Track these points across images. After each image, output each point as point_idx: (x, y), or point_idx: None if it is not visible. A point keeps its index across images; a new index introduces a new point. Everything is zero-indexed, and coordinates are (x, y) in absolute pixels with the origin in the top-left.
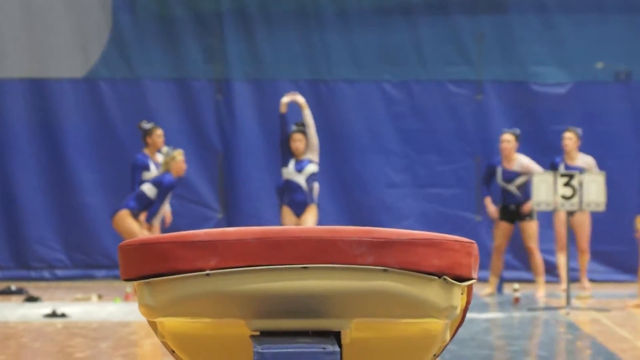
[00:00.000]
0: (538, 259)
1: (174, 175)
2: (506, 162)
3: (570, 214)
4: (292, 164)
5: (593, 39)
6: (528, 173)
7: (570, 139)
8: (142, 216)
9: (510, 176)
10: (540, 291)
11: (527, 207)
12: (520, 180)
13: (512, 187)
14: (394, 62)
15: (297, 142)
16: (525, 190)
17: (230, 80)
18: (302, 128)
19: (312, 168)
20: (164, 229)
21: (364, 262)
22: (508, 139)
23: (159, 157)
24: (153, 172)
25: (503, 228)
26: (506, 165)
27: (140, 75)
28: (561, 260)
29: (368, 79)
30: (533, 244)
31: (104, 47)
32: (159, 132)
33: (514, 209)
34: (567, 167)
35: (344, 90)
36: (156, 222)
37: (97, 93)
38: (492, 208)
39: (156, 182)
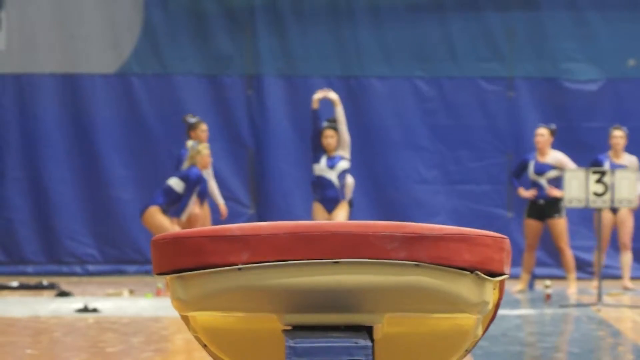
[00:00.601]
0: (569, 255)
1: (200, 168)
2: (540, 155)
3: (613, 211)
4: (324, 161)
5: (624, 35)
6: (561, 167)
7: (621, 137)
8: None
9: (542, 169)
10: (572, 288)
11: (552, 191)
12: (552, 174)
13: (542, 180)
14: (426, 59)
15: (329, 138)
16: (556, 186)
17: (261, 76)
18: (334, 124)
19: (343, 165)
20: (219, 221)
21: (396, 257)
22: (542, 133)
23: None
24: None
25: (532, 226)
26: (539, 159)
27: (172, 70)
28: (622, 259)
29: (399, 75)
30: (563, 242)
31: (135, 43)
32: (204, 127)
33: (542, 205)
34: (612, 165)
35: (375, 87)
36: (184, 217)
37: (129, 88)
38: (525, 192)
39: (183, 177)
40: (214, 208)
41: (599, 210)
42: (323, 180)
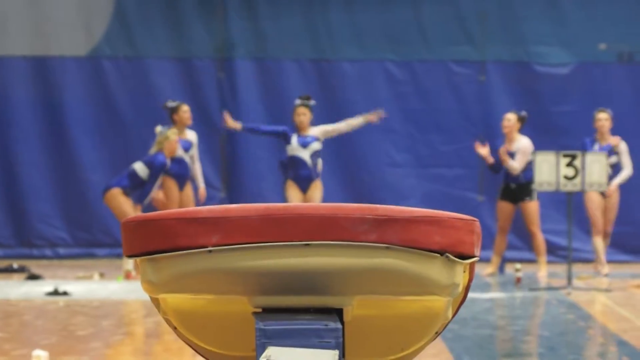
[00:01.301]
0: (539, 239)
1: (166, 155)
2: (507, 142)
3: (602, 195)
4: (295, 139)
5: (596, 19)
6: (518, 152)
7: (606, 119)
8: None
9: (509, 156)
10: (542, 271)
11: (501, 151)
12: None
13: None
14: (397, 42)
15: (301, 115)
16: (526, 170)
17: (233, 59)
18: (306, 102)
19: (316, 145)
20: (199, 204)
21: (367, 239)
22: (509, 118)
23: (188, 134)
24: (179, 149)
25: (504, 208)
26: (507, 146)
27: (143, 53)
28: (598, 243)
29: (371, 58)
30: (534, 225)
31: (107, 25)
32: (185, 107)
33: (514, 189)
34: (600, 149)
35: (347, 70)
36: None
37: (100, 71)
38: (481, 150)
39: (148, 162)
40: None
41: (570, 193)
42: (295, 160)
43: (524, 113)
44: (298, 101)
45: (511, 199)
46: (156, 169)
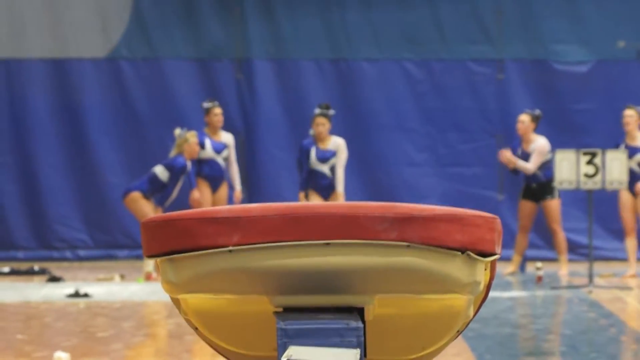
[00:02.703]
0: (561, 237)
1: (187, 157)
2: (524, 142)
3: (633, 195)
4: (314, 153)
5: (614, 16)
6: (533, 151)
7: (631, 116)
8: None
9: (525, 157)
10: (563, 269)
11: (505, 157)
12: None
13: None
14: (415, 41)
15: (320, 126)
16: (546, 169)
17: (251, 60)
18: (325, 111)
19: (334, 160)
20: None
21: (387, 238)
22: (522, 120)
23: (223, 136)
24: (208, 150)
25: (526, 207)
26: (524, 147)
27: (161, 55)
28: (629, 245)
29: (389, 57)
30: (555, 223)
31: (125, 27)
32: (217, 110)
33: (535, 188)
34: (628, 148)
35: (365, 69)
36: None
37: (119, 73)
38: (508, 156)
39: (168, 166)
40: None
41: (591, 191)
42: (315, 172)
43: (537, 112)
44: (317, 110)
45: (533, 198)
46: (176, 172)
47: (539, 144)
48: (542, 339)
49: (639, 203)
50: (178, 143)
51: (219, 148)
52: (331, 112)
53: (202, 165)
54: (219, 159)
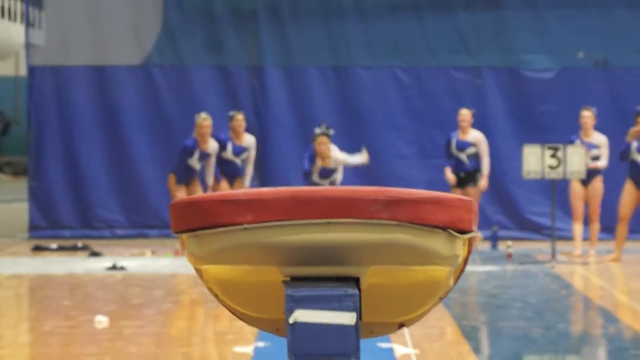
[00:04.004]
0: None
1: (197, 138)
2: (461, 133)
3: (584, 184)
4: (317, 172)
5: (575, 31)
6: (477, 145)
7: (589, 117)
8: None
9: (463, 145)
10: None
11: (482, 184)
12: (471, 150)
13: (463, 155)
14: (404, 51)
15: (322, 145)
16: (473, 160)
17: (264, 67)
18: (326, 131)
19: (336, 175)
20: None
21: (380, 217)
22: (464, 113)
23: (245, 140)
24: (228, 152)
25: (455, 193)
26: (461, 137)
27: (187, 62)
28: (577, 228)
29: (382, 65)
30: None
31: (156, 39)
32: (238, 117)
33: (463, 176)
34: (583, 143)
35: (361, 75)
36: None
37: (151, 78)
38: (450, 176)
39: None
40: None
41: (554, 181)
42: (318, 185)
43: (473, 110)
44: (318, 130)
45: (460, 185)
46: (180, 150)
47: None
48: (511, 307)
49: (589, 192)
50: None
51: (238, 151)
52: (331, 132)
53: (223, 164)
54: (237, 161)
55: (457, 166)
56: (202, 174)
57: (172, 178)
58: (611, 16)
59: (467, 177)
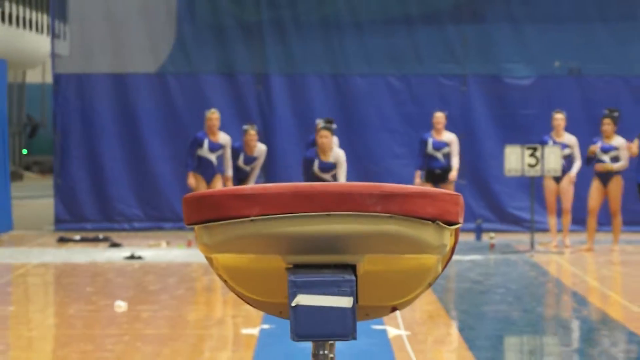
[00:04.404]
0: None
1: (206, 132)
2: (436, 134)
3: (557, 180)
4: (317, 164)
5: (552, 42)
6: (450, 144)
7: (561, 119)
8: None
9: (439, 145)
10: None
11: (452, 175)
12: (446, 150)
13: (439, 154)
14: (397, 60)
15: (324, 138)
16: (447, 159)
17: (268, 75)
18: (329, 125)
19: (336, 171)
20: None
21: (375, 210)
22: (439, 116)
23: (256, 151)
24: (240, 162)
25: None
26: (436, 137)
27: (199, 70)
28: (551, 221)
29: (376, 73)
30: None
31: (170, 49)
32: (250, 132)
33: (438, 173)
34: (555, 143)
35: (357, 82)
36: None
37: (166, 85)
38: (417, 181)
39: None
40: None
41: (533, 177)
42: (319, 179)
43: (446, 112)
44: (320, 124)
45: (433, 181)
46: (190, 142)
47: (622, 141)
48: (494, 292)
49: (561, 189)
50: None
51: (248, 161)
52: (334, 126)
53: (235, 169)
54: (247, 169)
55: (433, 164)
56: (221, 169)
57: (190, 176)
58: (585, 29)
59: (442, 173)
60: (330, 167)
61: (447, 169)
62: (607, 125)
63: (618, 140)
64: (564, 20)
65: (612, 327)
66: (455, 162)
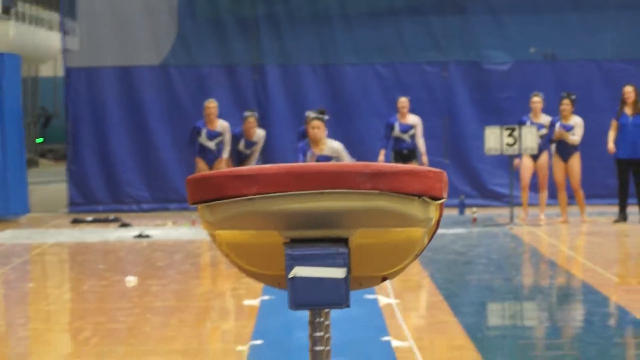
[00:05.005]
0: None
1: (205, 122)
2: (402, 118)
3: (534, 158)
4: (309, 155)
5: (528, 30)
6: (415, 127)
7: (538, 102)
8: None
9: (405, 128)
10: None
11: (424, 159)
12: (412, 132)
13: (406, 136)
14: (384, 50)
15: (315, 129)
16: (413, 139)
17: (264, 65)
18: (321, 116)
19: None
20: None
21: (365, 187)
22: (403, 101)
23: (255, 135)
24: (241, 146)
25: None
26: (402, 121)
27: (199, 63)
28: (524, 195)
29: (365, 62)
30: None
31: (172, 43)
32: (249, 119)
33: (406, 153)
34: (532, 124)
35: (347, 71)
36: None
37: (168, 76)
38: (382, 158)
39: None
40: None
41: (511, 156)
42: None
43: (408, 97)
44: (312, 114)
45: (402, 160)
46: (190, 130)
47: (579, 120)
48: (477, 262)
49: (538, 165)
50: None
51: (249, 146)
52: (326, 117)
53: (237, 153)
54: (247, 152)
55: (400, 145)
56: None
57: (197, 162)
58: (559, 18)
59: (409, 153)
60: (325, 161)
61: (413, 148)
62: (566, 105)
63: (575, 120)
64: (539, 10)
65: (586, 292)
66: (420, 143)
